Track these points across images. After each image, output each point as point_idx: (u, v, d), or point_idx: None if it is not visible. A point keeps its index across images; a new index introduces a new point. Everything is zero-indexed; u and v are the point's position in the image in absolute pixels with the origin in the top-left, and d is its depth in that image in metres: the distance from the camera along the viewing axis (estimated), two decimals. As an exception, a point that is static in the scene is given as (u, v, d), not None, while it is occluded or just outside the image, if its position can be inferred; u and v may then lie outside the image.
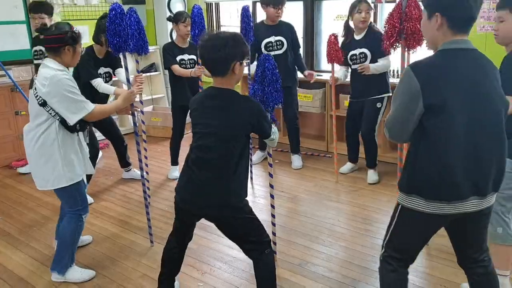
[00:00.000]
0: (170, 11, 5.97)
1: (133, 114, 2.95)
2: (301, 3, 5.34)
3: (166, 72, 6.31)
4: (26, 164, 4.82)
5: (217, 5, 6.22)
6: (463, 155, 1.67)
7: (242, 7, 3.92)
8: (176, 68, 4.06)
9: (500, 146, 1.74)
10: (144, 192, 3.13)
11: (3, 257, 3.04)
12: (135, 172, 4.24)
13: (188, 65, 4.16)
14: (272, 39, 4.27)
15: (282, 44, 4.28)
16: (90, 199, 3.64)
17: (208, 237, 3.20)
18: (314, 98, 4.97)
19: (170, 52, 4.10)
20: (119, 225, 3.45)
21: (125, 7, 2.85)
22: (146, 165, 3.77)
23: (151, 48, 5.62)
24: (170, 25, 6.01)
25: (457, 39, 1.70)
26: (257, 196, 3.92)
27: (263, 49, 4.27)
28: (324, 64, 5.42)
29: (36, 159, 2.50)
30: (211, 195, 2.08)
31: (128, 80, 2.93)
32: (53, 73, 2.40)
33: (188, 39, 4.12)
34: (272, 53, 4.18)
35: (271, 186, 2.80)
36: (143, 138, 3.83)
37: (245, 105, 2.09)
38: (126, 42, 2.82)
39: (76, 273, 2.71)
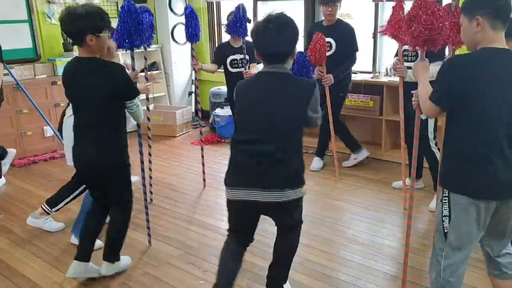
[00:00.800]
0: (171, 10, 6.00)
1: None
2: (301, 2, 5.34)
3: (168, 70, 6.38)
4: (28, 163, 4.84)
5: (217, 4, 6.23)
6: None
7: (238, 5, 3.96)
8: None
9: None
10: (144, 193, 3.14)
11: (6, 254, 3.06)
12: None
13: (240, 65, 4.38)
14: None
15: (330, 46, 4.10)
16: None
17: (209, 235, 3.21)
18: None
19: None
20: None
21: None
22: (150, 161, 3.79)
23: (152, 47, 5.66)
24: (171, 24, 6.06)
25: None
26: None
27: None
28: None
29: (69, 140, 2.70)
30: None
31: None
32: None
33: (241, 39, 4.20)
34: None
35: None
36: (148, 135, 3.84)
37: (107, 71, 2.38)
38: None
39: None
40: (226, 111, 5.67)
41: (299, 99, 2.03)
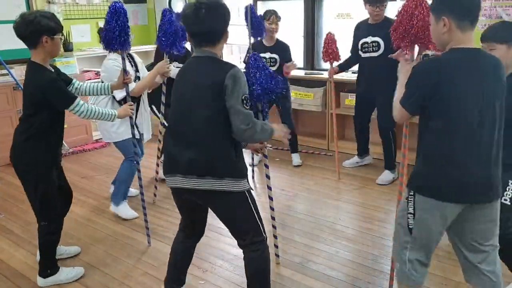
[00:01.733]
0: (171, 9, 5.98)
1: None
2: (301, 2, 5.34)
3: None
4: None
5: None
6: None
7: (247, 6, 3.80)
8: None
9: None
10: (142, 194, 3.14)
11: (6, 254, 3.06)
12: None
13: (269, 63, 4.27)
14: (369, 39, 3.87)
15: (378, 45, 3.83)
16: (135, 192, 3.85)
17: (209, 235, 3.21)
18: (315, 96, 4.98)
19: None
20: (121, 223, 3.47)
21: (127, 6, 2.86)
22: (157, 165, 3.82)
23: (151, 47, 5.65)
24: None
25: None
26: (259, 194, 3.94)
27: (359, 50, 3.95)
28: (325, 63, 5.42)
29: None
30: None
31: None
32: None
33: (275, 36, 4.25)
34: (367, 55, 3.89)
35: (269, 188, 2.81)
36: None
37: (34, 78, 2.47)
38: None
39: None
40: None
41: (216, 85, 1.97)
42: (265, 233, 2.18)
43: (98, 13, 5.68)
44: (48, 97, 2.44)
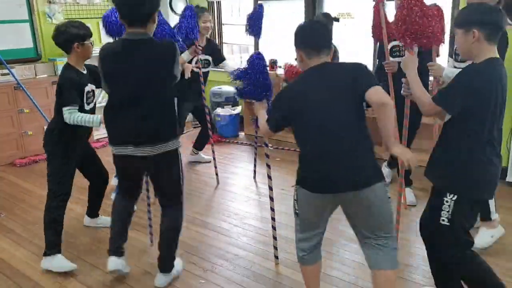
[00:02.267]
0: (172, 9, 5.99)
1: None
2: (302, 1, 5.34)
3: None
4: (29, 162, 4.85)
5: (218, 3, 6.23)
6: None
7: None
8: None
9: None
10: (147, 190, 3.15)
11: (7, 254, 3.07)
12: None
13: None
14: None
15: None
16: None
17: (209, 235, 3.22)
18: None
19: None
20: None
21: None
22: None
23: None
24: (172, 23, 6.05)
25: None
26: (260, 194, 3.94)
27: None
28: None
29: None
30: None
31: None
32: None
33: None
34: (397, 59, 3.46)
35: (270, 188, 2.83)
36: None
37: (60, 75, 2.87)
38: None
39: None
40: (227, 111, 5.68)
41: (158, 60, 2.31)
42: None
43: (99, 13, 5.69)
44: (58, 93, 2.83)
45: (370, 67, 4.94)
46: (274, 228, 2.85)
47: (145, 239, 3.18)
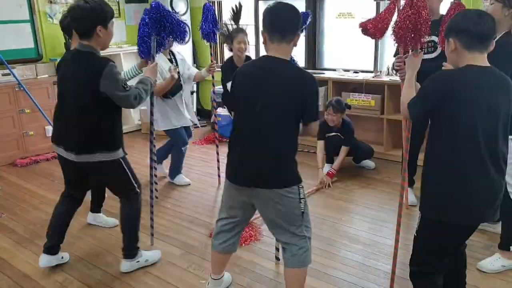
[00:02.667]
0: (173, 9, 5.98)
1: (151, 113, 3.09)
2: (303, 1, 5.34)
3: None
4: (30, 163, 4.86)
5: (219, 3, 6.23)
6: None
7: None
8: None
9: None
10: (151, 191, 3.14)
11: (8, 254, 3.07)
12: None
13: None
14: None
15: (434, 46, 3.25)
16: (187, 180, 4.21)
17: (210, 235, 3.21)
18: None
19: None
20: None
21: (128, 6, 2.88)
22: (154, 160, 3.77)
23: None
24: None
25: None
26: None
27: None
28: (327, 63, 5.43)
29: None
30: None
31: None
32: None
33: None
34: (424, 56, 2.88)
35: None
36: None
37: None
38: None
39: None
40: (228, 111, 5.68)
41: (85, 75, 2.41)
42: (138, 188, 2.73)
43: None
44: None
45: (371, 67, 4.94)
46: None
47: (147, 240, 3.17)
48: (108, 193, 3.94)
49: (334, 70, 5.14)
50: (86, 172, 2.69)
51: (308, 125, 2.12)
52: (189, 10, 6.07)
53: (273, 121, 2.04)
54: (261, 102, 2.04)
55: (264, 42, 2.10)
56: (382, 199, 3.73)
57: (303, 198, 2.14)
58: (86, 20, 2.39)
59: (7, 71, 4.77)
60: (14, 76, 4.76)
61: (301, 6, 5.37)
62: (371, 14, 4.59)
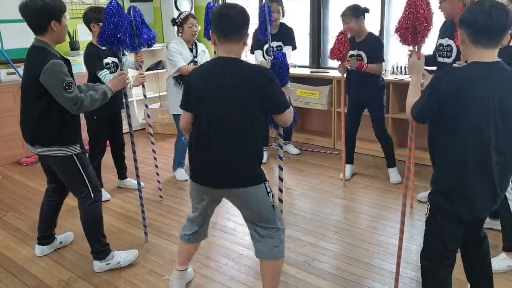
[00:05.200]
0: (177, 8, 5.99)
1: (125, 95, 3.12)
2: (307, 2, 5.33)
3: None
4: (35, 161, 4.88)
5: (223, 2, 6.23)
6: None
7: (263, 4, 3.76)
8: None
9: None
10: (138, 184, 3.15)
11: (13, 252, 3.08)
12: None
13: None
14: (444, 41, 3.19)
15: (451, 50, 3.13)
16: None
17: (215, 234, 3.21)
18: (321, 94, 4.96)
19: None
20: (126, 221, 3.48)
21: (133, 4, 2.88)
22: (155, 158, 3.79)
23: (158, 46, 5.66)
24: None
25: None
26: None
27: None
28: (331, 62, 5.41)
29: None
30: None
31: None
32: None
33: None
34: (441, 59, 3.19)
35: (280, 190, 2.85)
36: (150, 132, 3.82)
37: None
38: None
39: None
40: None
41: (33, 68, 2.45)
42: (93, 193, 2.69)
43: (104, 12, 5.70)
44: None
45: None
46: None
47: (141, 234, 3.18)
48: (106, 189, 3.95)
49: (339, 69, 5.12)
50: (46, 163, 2.74)
51: (279, 117, 2.16)
52: (193, 9, 6.07)
53: (231, 126, 2.05)
54: (217, 104, 2.05)
55: (213, 43, 2.16)
56: (387, 198, 3.72)
57: (270, 192, 2.18)
58: (40, 16, 2.43)
59: (12, 70, 4.79)
60: (19, 75, 4.78)
61: (305, 4, 5.36)
62: (377, 12, 4.57)
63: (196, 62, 4.01)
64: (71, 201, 3.26)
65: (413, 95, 2.02)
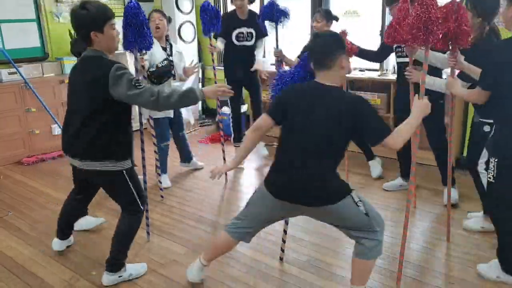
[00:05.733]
0: (178, 8, 5.99)
1: None
2: (308, 1, 5.32)
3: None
4: (36, 161, 4.88)
5: (224, 3, 6.23)
6: None
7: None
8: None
9: None
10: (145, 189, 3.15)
11: (14, 252, 3.08)
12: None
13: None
14: None
15: None
16: (169, 183, 4.10)
17: (215, 233, 3.21)
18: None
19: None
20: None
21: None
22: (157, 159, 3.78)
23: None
24: (178, 22, 6.07)
25: None
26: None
27: None
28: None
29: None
30: None
31: None
32: None
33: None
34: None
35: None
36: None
37: None
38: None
39: None
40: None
41: (93, 79, 2.35)
42: (142, 205, 2.64)
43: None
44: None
45: (377, 65, 4.91)
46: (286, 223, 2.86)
47: (143, 233, 3.17)
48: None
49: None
50: (91, 179, 2.65)
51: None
52: (194, 8, 6.07)
53: (327, 147, 2.13)
54: (317, 124, 2.12)
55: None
56: (389, 199, 3.71)
57: (359, 201, 2.17)
58: (78, 27, 2.37)
59: (13, 70, 4.79)
60: (21, 74, 4.78)
61: (306, 5, 5.36)
62: (378, 12, 4.57)
63: (171, 61, 3.88)
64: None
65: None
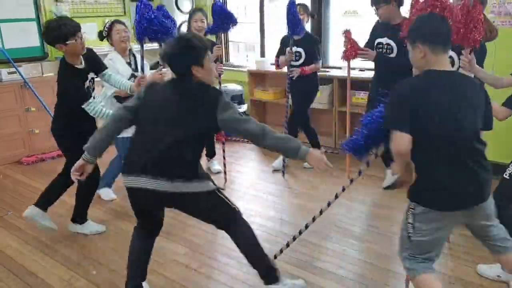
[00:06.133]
0: (178, 8, 5.99)
1: None
2: (308, 1, 5.32)
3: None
4: (36, 161, 4.87)
5: (224, 1, 6.22)
6: None
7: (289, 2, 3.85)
8: None
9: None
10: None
11: (14, 251, 3.08)
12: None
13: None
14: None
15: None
16: (112, 195, 3.86)
17: (216, 233, 3.21)
18: (322, 94, 4.96)
19: None
20: (129, 221, 3.47)
21: (134, 4, 2.89)
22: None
23: (157, 45, 5.66)
24: (178, 22, 6.05)
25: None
26: (265, 192, 3.93)
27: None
28: (332, 60, 5.41)
29: None
30: None
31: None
32: None
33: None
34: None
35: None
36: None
37: None
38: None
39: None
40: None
41: None
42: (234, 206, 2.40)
43: (106, 11, 5.71)
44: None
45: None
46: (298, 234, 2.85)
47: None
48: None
49: (340, 68, 5.11)
50: (172, 203, 2.38)
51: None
52: (194, 7, 6.06)
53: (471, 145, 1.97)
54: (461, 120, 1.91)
55: (423, 55, 1.94)
56: (388, 198, 3.71)
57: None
58: (177, 61, 2.21)
59: (13, 69, 4.79)
60: (20, 74, 4.78)
61: (306, 3, 5.35)
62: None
63: (136, 76, 3.53)
64: (71, 200, 3.29)
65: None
